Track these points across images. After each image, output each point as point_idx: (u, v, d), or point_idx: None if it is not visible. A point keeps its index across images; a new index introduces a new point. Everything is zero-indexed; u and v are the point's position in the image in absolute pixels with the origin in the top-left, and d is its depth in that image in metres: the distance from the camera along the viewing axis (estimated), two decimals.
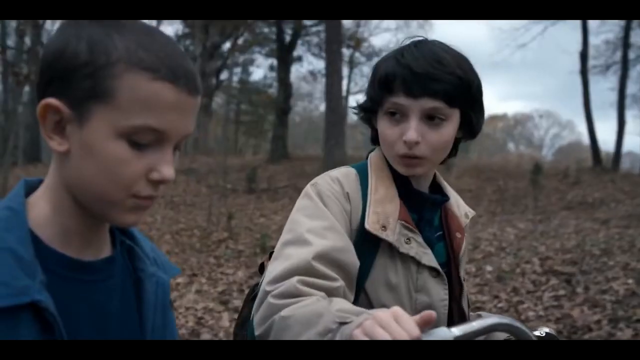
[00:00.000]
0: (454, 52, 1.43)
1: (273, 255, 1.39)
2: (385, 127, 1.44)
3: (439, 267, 1.45)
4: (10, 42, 23.94)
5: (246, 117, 32.72)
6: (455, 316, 1.49)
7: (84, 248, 0.97)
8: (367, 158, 1.55)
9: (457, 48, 1.45)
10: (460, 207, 1.61)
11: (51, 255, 0.92)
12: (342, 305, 1.19)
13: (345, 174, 1.48)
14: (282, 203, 13.49)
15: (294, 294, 1.22)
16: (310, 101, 49.89)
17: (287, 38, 21.41)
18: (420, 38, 1.47)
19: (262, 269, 1.56)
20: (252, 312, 1.31)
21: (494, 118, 69.11)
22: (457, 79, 1.38)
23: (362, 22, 28.49)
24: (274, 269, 1.30)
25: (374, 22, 29.03)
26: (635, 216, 10.52)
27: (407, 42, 1.47)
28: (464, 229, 1.57)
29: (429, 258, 1.44)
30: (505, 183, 14.79)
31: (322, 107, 34.64)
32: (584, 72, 18.53)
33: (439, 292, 1.45)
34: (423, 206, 1.50)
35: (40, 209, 0.95)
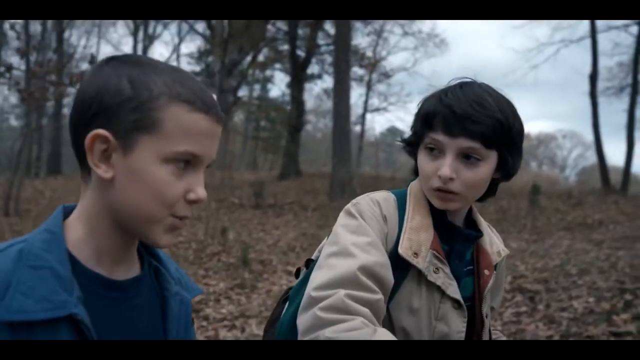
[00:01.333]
0: (497, 95, 1.48)
1: (317, 264, 1.44)
2: (423, 160, 1.50)
3: (461, 300, 1.50)
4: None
5: (264, 134, 33.12)
6: None
7: (115, 267, 1.06)
8: (407, 186, 1.63)
9: (502, 91, 1.51)
10: (493, 245, 1.65)
11: (86, 274, 1.01)
12: (385, 337, 1.24)
13: (385, 198, 1.55)
14: (287, 219, 13.76)
15: (342, 309, 1.28)
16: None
17: (302, 56, 21.77)
18: (468, 80, 1.53)
19: (297, 273, 1.66)
20: (297, 316, 1.36)
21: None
22: (496, 122, 1.42)
23: (380, 41, 28.86)
24: (319, 276, 1.36)
25: (392, 41, 29.36)
26: (630, 238, 10.57)
27: (454, 82, 1.53)
28: (494, 267, 1.61)
29: (453, 289, 1.49)
30: (508, 203, 14.91)
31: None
32: (593, 94, 18.56)
33: (458, 323, 1.50)
34: (455, 239, 1.56)
35: (77, 232, 1.03)
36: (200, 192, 1.02)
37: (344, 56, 15.90)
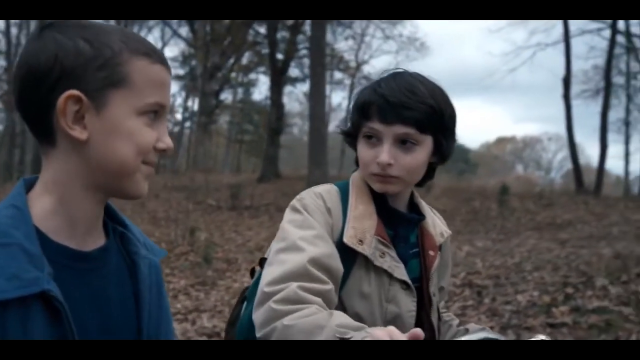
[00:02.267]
0: (429, 83, 1.54)
1: (267, 261, 1.49)
2: (362, 149, 1.57)
3: (409, 281, 1.55)
4: None
5: (248, 137, 33.30)
6: (425, 326, 1.59)
7: (87, 237, 1.06)
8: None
9: (433, 79, 1.57)
10: (436, 226, 1.71)
11: (54, 248, 1.00)
12: (342, 319, 1.28)
13: (327, 190, 1.60)
14: (261, 220, 13.92)
15: (295, 300, 1.33)
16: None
17: (281, 59, 21.98)
18: (400, 70, 1.60)
19: (252, 273, 1.69)
20: (252, 313, 1.41)
21: (503, 140, 69.60)
22: (429, 108, 1.49)
23: (363, 45, 29.13)
24: (270, 272, 1.41)
25: (375, 44, 29.62)
26: (595, 237, 10.79)
27: (386, 74, 1.59)
28: (438, 248, 1.67)
29: (400, 272, 1.54)
30: (481, 204, 15.15)
31: (330, 127, 35.27)
32: (566, 97, 18.89)
33: (408, 303, 1.56)
34: (399, 223, 1.61)
35: (42, 204, 1.02)
36: (168, 140, 1.06)
37: (320, 60, 16.08)
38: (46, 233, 1.00)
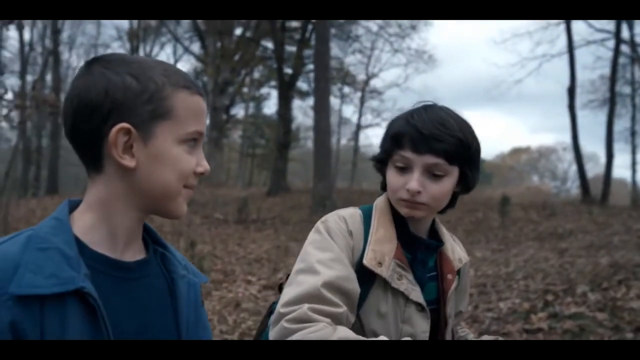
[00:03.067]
0: (457, 117, 1.63)
1: (288, 281, 1.58)
2: (392, 175, 1.64)
3: (424, 303, 1.63)
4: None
5: (259, 151, 33.61)
6: None
7: (125, 250, 1.15)
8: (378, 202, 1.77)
9: (460, 114, 1.66)
10: (455, 252, 1.77)
11: (94, 257, 1.09)
12: (344, 333, 1.39)
13: (351, 214, 1.69)
14: (267, 233, 14.10)
15: (305, 320, 1.42)
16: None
17: (289, 74, 22.28)
18: (430, 103, 1.68)
19: (280, 289, 1.74)
20: (270, 329, 1.52)
21: (518, 151, 69.46)
22: (458, 141, 1.57)
23: (373, 57, 29.40)
24: (287, 293, 1.51)
25: (384, 58, 29.87)
26: (594, 246, 10.82)
27: (418, 105, 1.68)
28: (456, 272, 1.74)
29: (416, 294, 1.62)
30: (484, 214, 15.25)
31: (343, 140, 35.49)
32: (572, 107, 18.96)
33: (422, 324, 1.63)
34: (418, 248, 1.68)
35: (84, 220, 1.12)
36: (205, 164, 1.16)
37: (324, 74, 16.34)
38: (86, 243, 1.09)
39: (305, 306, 1.44)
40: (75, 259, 1.03)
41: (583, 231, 13.25)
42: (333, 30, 24.11)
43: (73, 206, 1.15)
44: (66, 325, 0.99)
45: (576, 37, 20.00)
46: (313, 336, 1.37)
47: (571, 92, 19.05)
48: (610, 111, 19.29)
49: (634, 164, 22.64)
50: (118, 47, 33.11)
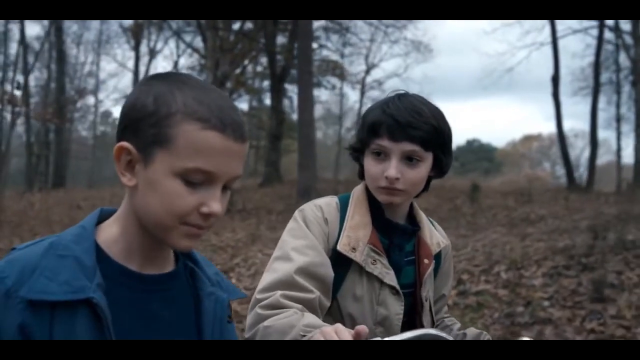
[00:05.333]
0: (430, 105, 1.69)
1: (266, 268, 1.66)
2: (370, 164, 1.69)
3: (397, 286, 1.69)
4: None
5: (262, 142, 34.04)
6: (417, 328, 1.67)
7: (146, 264, 1.14)
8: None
9: (431, 100, 1.72)
10: (433, 237, 1.82)
11: (114, 267, 1.09)
12: (310, 320, 1.43)
13: (327, 202, 1.76)
14: (249, 222, 14.51)
15: (277, 306, 1.50)
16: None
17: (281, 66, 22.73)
18: (402, 91, 1.73)
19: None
20: (247, 314, 1.58)
21: (529, 138, 69.07)
22: (432, 128, 1.63)
23: (374, 47, 29.78)
24: (264, 279, 1.60)
25: (384, 48, 30.21)
26: (559, 230, 11.16)
27: (392, 94, 1.73)
28: (433, 256, 1.79)
29: (390, 278, 1.68)
30: (462, 202, 15.60)
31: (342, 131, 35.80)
32: (556, 95, 19.26)
33: (396, 307, 1.69)
34: (394, 233, 1.74)
35: (111, 231, 1.13)
36: (214, 206, 1.05)
37: (307, 67, 16.75)
38: (109, 254, 1.10)
39: (278, 293, 1.52)
40: (91, 269, 1.04)
41: (554, 217, 13.55)
42: (329, 24, 24.54)
43: (105, 215, 1.17)
44: (74, 332, 1.01)
45: (561, 27, 20.16)
46: (282, 322, 1.45)
47: (555, 80, 19.35)
48: (593, 99, 19.58)
49: (619, 150, 22.85)
50: (123, 43, 33.69)
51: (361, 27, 26.46)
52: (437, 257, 1.83)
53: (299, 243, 1.64)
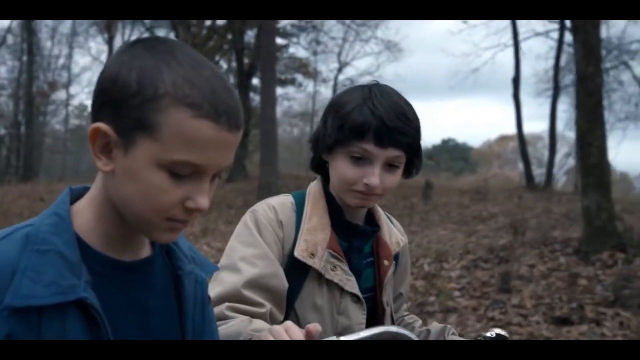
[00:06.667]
0: (408, 102, 1.56)
1: (212, 277, 1.48)
2: (346, 166, 1.53)
3: (359, 294, 1.58)
4: None
5: None
6: None
7: (125, 250, 1.03)
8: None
9: (403, 96, 1.58)
10: (392, 235, 1.71)
11: (95, 257, 0.98)
12: (258, 325, 1.36)
13: (281, 202, 1.61)
14: (208, 217, 14.65)
15: (221, 319, 1.39)
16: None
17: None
18: (376, 83, 1.59)
19: None
20: None
21: (505, 138, 69.78)
22: (416, 132, 1.54)
23: (347, 45, 30.05)
24: (210, 292, 1.40)
25: (357, 46, 30.52)
26: (504, 228, 11.50)
27: (370, 85, 1.57)
28: (393, 257, 1.68)
29: (351, 285, 1.57)
30: (419, 199, 15.88)
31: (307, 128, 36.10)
32: (516, 96, 19.65)
33: (358, 316, 1.58)
34: (353, 235, 1.62)
35: (85, 217, 1.01)
36: (200, 201, 0.95)
37: (270, 65, 16.97)
38: (87, 242, 0.99)
39: (224, 305, 1.42)
40: (77, 264, 0.94)
41: (505, 215, 13.89)
42: (301, 22, 24.77)
43: (75, 195, 1.05)
44: (66, 335, 0.92)
45: (525, 29, 20.61)
46: (227, 331, 1.35)
47: (516, 82, 19.73)
48: (553, 101, 19.98)
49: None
50: (97, 36, 33.62)
51: (333, 26, 26.72)
52: (396, 256, 1.73)
53: (248, 252, 1.52)
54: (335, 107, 1.58)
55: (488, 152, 67.43)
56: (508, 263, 6.66)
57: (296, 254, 1.53)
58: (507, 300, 5.73)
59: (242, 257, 1.51)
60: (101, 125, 0.93)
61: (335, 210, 1.62)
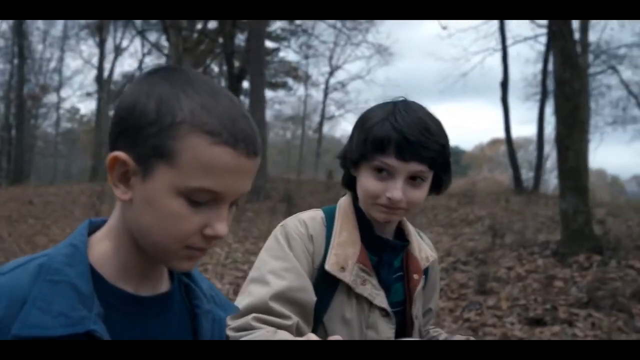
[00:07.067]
0: (434, 118, 1.58)
1: (241, 289, 1.56)
2: (369, 180, 1.56)
3: (388, 308, 1.59)
4: None
5: None
6: None
7: (142, 283, 1.02)
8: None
9: (434, 113, 1.60)
10: (422, 250, 1.72)
11: (110, 291, 0.97)
12: (282, 336, 1.37)
13: (312, 217, 1.64)
14: None
15: (247, 329, 1.42)
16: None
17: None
18: (403, 99, 1.62)
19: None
20: None
21: (497, 142, 69.95)
22: (440, 147, 1.53)
23: (338, 49, 30.19)
24: (238, 304, 1.47)
25: (348, 50, 30.65)
26: (490, 231, 11.64)
27: (392, 101, 1.60)
28: (423, 271, 1.69)
29: (380, 299, 1.58)
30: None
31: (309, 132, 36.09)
32: (504, 100, 19.75)
33: (387, 330, 1.59)
34: (383, 250, 1.62)
35: (102, 248, 1.00)
36: (219, 228, 0.95)
37: (259, 68, 17.06)
38: (102, 275, 0.98)
39: (251, 316, 1.43)
40: (89, 296, 0.93)
41: (491, 218, 13.98)
42: (292, 26, 24.87)
43: (94, 227, 1.05)
44: None
45: (513, 33, 20.81)
46: (251, 337, 1.39)
47: (504, 85, 19.82)
48: (541, 105, 20.13)
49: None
50: (88, 39, 33.66)
51: (324, 30, 26.86)
52: (425, 271, 1.73)
53: (278, 265, 1.53)
54: (360, 122, 1.61)
55: (480, 155, 67.69)
56: (487, 265, 6.76)
57: (327, 267, 1.54)
58: (484, 302, 5.83)
59: (271, 270, 1.52)
60: (119, 154, 0.93)
61: (365, 225, 1.63)
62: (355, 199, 1.67)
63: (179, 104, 0.91)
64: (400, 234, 1.71)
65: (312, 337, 1.12)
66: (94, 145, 29.67)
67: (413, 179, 1.53)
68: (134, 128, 0.92)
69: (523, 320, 5.33)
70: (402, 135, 1.49)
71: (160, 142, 0.90)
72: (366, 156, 1.55)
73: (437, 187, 1.63)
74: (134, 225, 0.96)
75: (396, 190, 1.51)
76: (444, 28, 21.81)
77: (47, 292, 0.90)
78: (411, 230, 1.74)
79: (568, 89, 7.11)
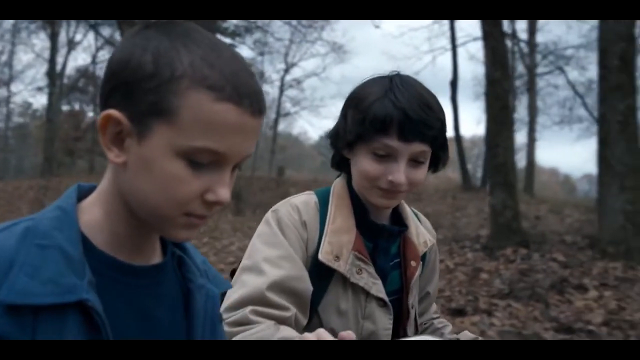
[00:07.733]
0: (431, 92, 1.49)
1: (233, 279, 1.46)
2: (368, 163, 1.46)
3: (385, 298, 1.51)
4: None
5: None
6: (400, 338, 1.53)
7: (134, 253, 0.95)
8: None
9: (425, 85, 1.51)
10: (420, 235, 1.63)
11: (102, 258, 0.91)
12: (286, 333, 1.31)
13: (305, 202, 1.54)
14: None
15: (245, 323, 1.34)
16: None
17: None
18: (399, 73, 1.51)
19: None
20: None
21: (451, 141, 70.55)
22: (442, 124, 1.45)
23: (293, 46, 30.24)
24: (231, 295, 1.39)
25: (303, 47, 30.73)
26: (434, 226, 11.85)
27: (386, 75, 1.51)
28: (420, 257, 1.61)
29: (377, 289, 1.50)
30: None
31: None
32: (453, 99, 20.13)
33: (384, 321, 1.52)
34: (379, 236, 1.54)
35: (93, 214, 0.93)
36: (221, 193, 0.88)
37: None
38: (93, 241, 0.91)
39: (248, 309, 1.36)
40: (80, 262, 0.86)
41: (438, 214, 14.25)
42: (247, 23, 24.87)
43: (83, 192, 0.97)
44: (63, 337, 0.83)
45: (461, 33, 21.08)
46: (255, 337, 1.31)
47: (453, 85, 20.21)
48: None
49: (530, 144, 23.99)
50: (40, 33, 33.05)
51: (279, 27, 26.89)
52: (423, 256, 1.66)
53: (272, 253, 1.44)
54: (355, 100, 1.50)
55: None
56: None
57: (320, 257, 1.46)
58: None
59: (265, 258, 1.44)
60: (113, 112, 0.86)
61: (359, 209, 1.54)
62: (350, 181, 1.58)
63: (178, 57, 0.84)
64: (398, 218, 1.63)
65: (323, 336, 1.07)
66: (45, 140, 29.22)
67: (414, 160, 1.45)
68: (129, 83, 0.85)
69: (446, 310, 5.51)
70: (404, 113, 1.40)
71: (158, 98, 0.83)
72: (364, 137, 1.45)
73: (435, 165, 1.56)
74: (129, 190, 0.90)
75: (399, 173, 1.43)
76: (377, 27, 21.96)
77: (34, 257, 0.84)
78: (409, 213, 1.66)
79: (498, 88, 7.35)
